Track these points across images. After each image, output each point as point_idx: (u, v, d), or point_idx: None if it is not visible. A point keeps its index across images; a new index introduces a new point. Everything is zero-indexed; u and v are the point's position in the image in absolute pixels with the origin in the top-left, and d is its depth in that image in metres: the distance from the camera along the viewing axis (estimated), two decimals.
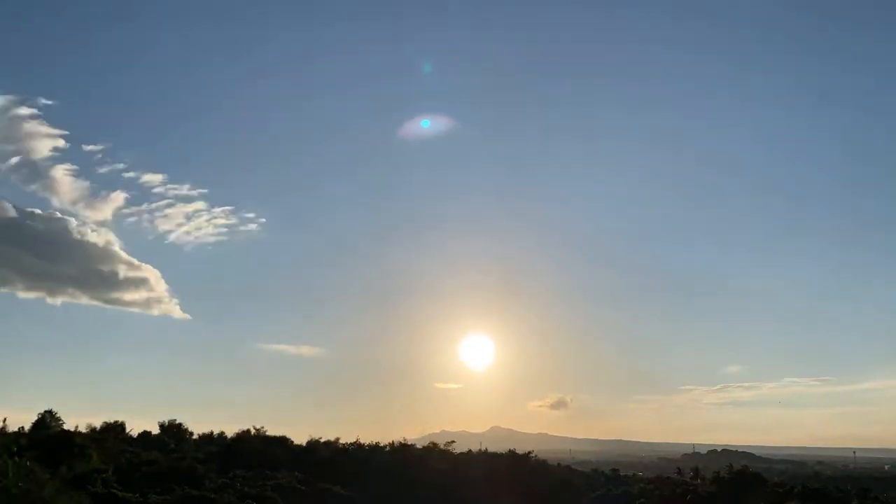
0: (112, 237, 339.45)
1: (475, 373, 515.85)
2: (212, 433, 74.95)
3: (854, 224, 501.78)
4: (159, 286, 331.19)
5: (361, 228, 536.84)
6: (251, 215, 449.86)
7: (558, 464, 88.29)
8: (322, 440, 71.11)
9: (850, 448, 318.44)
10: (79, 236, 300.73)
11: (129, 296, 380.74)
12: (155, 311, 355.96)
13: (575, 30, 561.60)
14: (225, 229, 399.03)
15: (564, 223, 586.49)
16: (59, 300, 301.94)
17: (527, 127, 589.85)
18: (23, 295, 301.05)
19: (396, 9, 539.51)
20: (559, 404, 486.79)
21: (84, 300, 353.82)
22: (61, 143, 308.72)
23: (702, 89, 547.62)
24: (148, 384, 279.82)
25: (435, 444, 71.42)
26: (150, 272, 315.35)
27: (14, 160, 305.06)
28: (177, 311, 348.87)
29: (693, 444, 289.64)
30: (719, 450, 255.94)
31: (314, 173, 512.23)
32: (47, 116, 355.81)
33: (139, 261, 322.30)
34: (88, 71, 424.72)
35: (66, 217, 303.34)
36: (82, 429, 62.66)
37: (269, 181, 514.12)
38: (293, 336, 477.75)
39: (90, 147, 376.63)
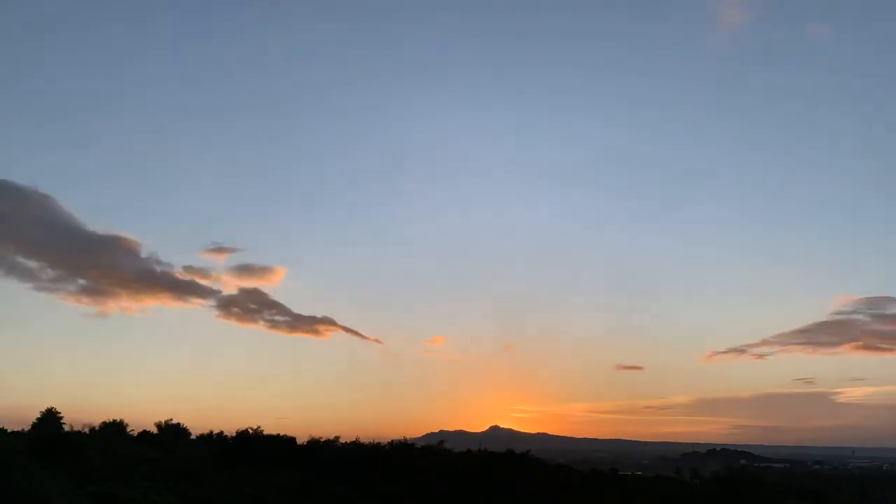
0: None
1: None
2: (212, 433, 75.07)
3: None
4: None
5: None
6: None
7: (558, 464, 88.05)
8: (322, 440, 71.26)
9: (850, 448, 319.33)
10: None
11: None
12: None
13: None
14: None
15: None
16: None
17: None
18: None
19: None
20: None
21: None
22: None
23: None
24: None
25: (433, 444, 71.41)
26: None
27: None
28: None
29: (693, 444, 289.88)
30: (719, 449, 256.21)
31: None
32: None
33: None
34: None
35: None
36: (81, 429, 62.75)
37: None
38: None
39: None
